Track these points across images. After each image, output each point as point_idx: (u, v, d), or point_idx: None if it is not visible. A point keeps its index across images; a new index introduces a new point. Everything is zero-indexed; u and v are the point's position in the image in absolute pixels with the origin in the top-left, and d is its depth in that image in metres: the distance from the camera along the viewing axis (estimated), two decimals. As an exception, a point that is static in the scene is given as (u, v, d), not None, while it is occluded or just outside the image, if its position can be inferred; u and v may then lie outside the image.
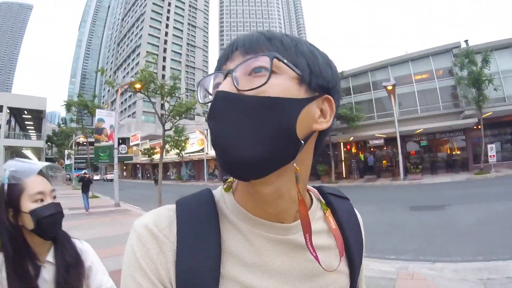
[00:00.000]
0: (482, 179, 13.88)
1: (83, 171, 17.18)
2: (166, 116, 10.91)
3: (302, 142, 0.39)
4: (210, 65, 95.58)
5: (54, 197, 1.00)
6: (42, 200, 0.95)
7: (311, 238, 0.41)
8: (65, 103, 20.32)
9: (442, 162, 19.14)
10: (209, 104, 0.41)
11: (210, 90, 0.44)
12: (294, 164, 0.39)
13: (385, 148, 21.21)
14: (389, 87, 16.92)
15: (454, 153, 19.23)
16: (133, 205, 12.78)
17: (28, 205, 0.92)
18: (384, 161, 21.25)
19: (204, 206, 0.45)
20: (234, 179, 0.47)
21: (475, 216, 6.76)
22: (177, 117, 11.24)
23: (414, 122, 19.03)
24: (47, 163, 1.17)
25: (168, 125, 11.19)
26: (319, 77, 0.42)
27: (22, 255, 0.92)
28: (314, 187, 0.56)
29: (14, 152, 34.17)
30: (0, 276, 0.89)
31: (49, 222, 0.93)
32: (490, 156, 15.02)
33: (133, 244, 0.41)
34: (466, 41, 18.51)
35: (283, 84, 0.38)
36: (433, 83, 19.47)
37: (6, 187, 0.93)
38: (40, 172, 1.01)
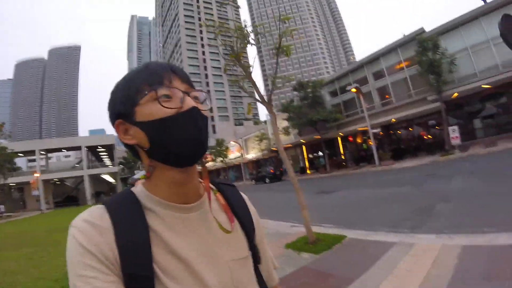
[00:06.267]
0: (445, 161, 14.16)
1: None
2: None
3: None
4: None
5: None
6: None
7: (211, 204, 0.62)
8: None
9: (414, 148, 19.93)
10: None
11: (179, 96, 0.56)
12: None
13: (381, 134, 22.34)
14: (353, 90, 20.67)
15: (426, 138, 20.22)
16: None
17: None
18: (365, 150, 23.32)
19: (127, 199, 0.56)
20: (147, 176, 0.59)
21: (347, 199, 9.39)
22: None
23: (392, 112, 20.41)
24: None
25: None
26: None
27: None
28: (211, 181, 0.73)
29: (95, 178, 44.84)
30: None
31: None
32: (452, 137, 15.26)
33: (75, 235, 0.48)
34: (420, 30, 19.21)
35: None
36: (403, 73, 20.69)
37: None
38: None
